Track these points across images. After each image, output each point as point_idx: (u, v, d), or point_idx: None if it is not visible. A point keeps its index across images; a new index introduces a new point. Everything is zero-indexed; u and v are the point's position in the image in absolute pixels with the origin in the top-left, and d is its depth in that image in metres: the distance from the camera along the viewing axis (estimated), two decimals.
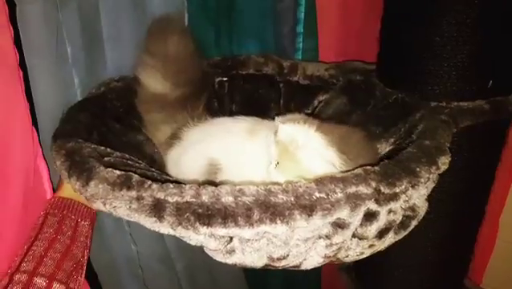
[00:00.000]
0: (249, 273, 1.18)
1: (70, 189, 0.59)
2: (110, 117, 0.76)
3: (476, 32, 0.68)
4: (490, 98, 0.71)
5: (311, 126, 0.59)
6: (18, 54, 0.59)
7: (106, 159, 0.59)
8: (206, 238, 0.48)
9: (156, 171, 0.64)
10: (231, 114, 0.91)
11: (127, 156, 0.65)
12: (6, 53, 0.55)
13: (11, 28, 0.57)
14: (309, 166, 0.56)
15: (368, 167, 0.49)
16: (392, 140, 0.70)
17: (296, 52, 1.00)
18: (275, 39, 0.97)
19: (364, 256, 0.58)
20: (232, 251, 0.52)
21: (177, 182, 0.50)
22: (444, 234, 0.84)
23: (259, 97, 0.94)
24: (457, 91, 0.71)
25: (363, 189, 0.46)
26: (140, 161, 0.66)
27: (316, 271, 1.28)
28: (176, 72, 0.78)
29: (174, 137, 0.77)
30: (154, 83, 0.78)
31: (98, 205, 0.50)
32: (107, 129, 0.74)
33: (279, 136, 0.57)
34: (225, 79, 0.93)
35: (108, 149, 0.63)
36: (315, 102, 0.92)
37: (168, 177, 0.63)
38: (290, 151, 0.56)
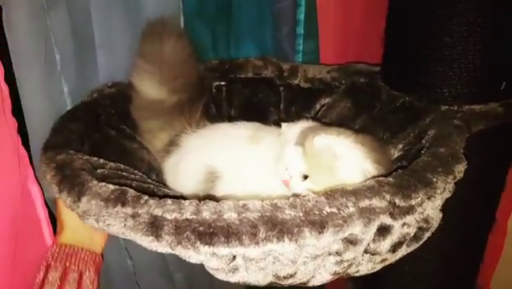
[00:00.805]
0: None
1: (71, 232, 0.57)
2: (103, 125, 0.73)
3: (487, 32, 0.65)
4: (504, 100, 0.68)
5: (347, 137, 0.57)
6: (1, 68, 0.55)
7: (99, 171, 0.55)
8: (208, 258, 0.44)
9: (153, 182, 0.60)
10: (230, 119, 0.88)
11: (122, 166, 0.61)
12: None
13: None
14: (345, 178, 0.52)
15: (382, 178, 0.46)
16: (401, 145, 0.67)
17: (296, 54, 0.97)
18: (274, 41, 0.95)
19: (376, 270, 0.55)
20: (235, 270, 0.49)
21: (176, 197, 0.46)
22: (453, 242, 0.81)
23: (258, 101, 0.91)
24: (469, 93, 0.68)
25: (376, 203, 0.43)
26: (135, 171, 0.63)
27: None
28: (172, 77, 0.75)
29: (172, 144, 0.74)
30: (150, 89, 0.75)
31: (91, 222, 0.47)
32: (101, 137, 0.71)
33: (314, 145, 0.54)
34: (222, 83, 0.91)
35: (101, 160, 0.60)
36: (317, 106, 0.89)
37: (166, 189, 0.60)
38: (325, 162, 0.53)
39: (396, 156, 0.66)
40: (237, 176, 0.64)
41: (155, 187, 0.56)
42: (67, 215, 0.57)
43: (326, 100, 0.88)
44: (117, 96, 0.77)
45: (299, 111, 0.90)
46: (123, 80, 0.78)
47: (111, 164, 0.60)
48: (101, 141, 0.70)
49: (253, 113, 0.86)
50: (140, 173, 0.63)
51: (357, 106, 0.80)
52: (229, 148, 0.68)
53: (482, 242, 0.89)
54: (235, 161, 0.66)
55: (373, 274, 0.97)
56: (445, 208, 0.70)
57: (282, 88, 0.90)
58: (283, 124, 0.63)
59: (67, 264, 0.55)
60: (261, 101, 0.91)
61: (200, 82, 0.82)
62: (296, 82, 0.90)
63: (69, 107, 0.73)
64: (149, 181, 0.60)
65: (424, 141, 0.61)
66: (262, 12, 0.92)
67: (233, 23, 0.92)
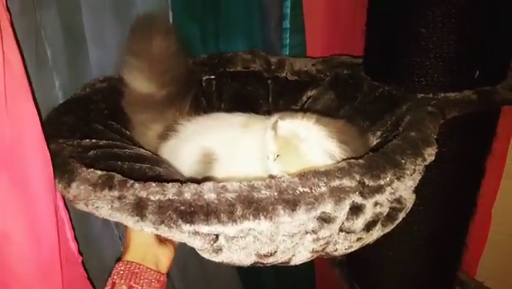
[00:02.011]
0: (242, 271, 1.18)
1: (137, 250, 0.57)
2: (93, 120, 0.75)
3: (462, 22, 0.67)
4: (477, 88, 0.71)
5: (310, 119, 0.60)
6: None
7: (91, 152, 0.58)
8: (191, 236, 0.47)
9: (148, 156, 0.63)
10: (220, 112, 0.90)
11: (117, 143, 0.64)
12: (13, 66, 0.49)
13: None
14: (311, 159, 0.55)
15: (352, 160, 0.48)
16: (379, 133, 0.69)
17: (283, 48, 1.00)
18: (262, 35, 0.97)
19: (353, 249, 0.58)
20: (219, 250, 0.51)
21: (165, 180, 0.49)
22: (435, 227, 0.84)
23: (248, 94, 0.93)
24: (444, 82, 0.70)
25: (347, 183, 0.46)
26: (130, 146, 0.65)
27: (309, 267, 1.28)
28: (161, 72, 0.77)
29: (169, 129, 0.77)
30: (140, 83, 0.77)
31: (80, 206, 0.50)
32: (90, 131, 0.72)
33: (280, 130, 0.57)
34: (212, 77, 0.93)
35: (94, 140, 0.62)
36: (304, 98, 0.91)
37: (158, 168, 0.63)
38: (291, 144, 0.57)
39: (374, 143, 0.69)
40: (231, 158, 0.68)
41: (147, 168, 0.59)
42: (134, 233, 0.58)
43: (312, 92, 0.90)
44: (108, 91, 0.79)
45: (287, 103, 0.92)
46: (114, 74, 0.80)
47: (104, 141, 0.62)
48: (90, 135, 0.72)
49: (243, 106, 0.88)
50: (135, 149, 0.66)
51: (340, 97, 0.83)
52: (225, 133, 0.72)
53: (464, 227, 0.92)
54: (230, 144, 0.69)
55: (358, 259, 1.01)
56: (426, 193, 0.74)
57: (270, 81, 0.93)
58: (274, 115, 0.65)
59: (132, 283, 0.54)
60: (250, 94, 0.93)
61: (188, 76, 0.84)
62: (283, 75, 0.92)
63: (61, 100, 0.75)
64: (142, 151, 0.63)
65: (400, 128, 0.63)
66: (250, 6, 0.94)
67: (221, 18, 0.93)
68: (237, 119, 0.76)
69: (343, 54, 0.93)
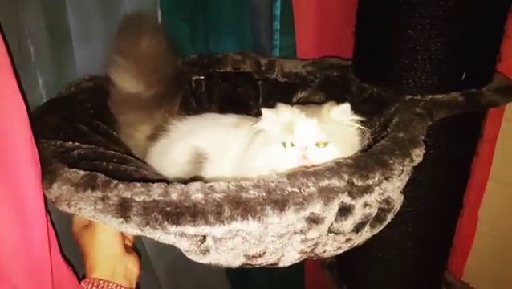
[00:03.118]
0: (231, 273, 1.17)
1: (106, 264, 0.54)
2: (79, 119, 0.73)
3: (449, 25, 0.68)
4: (464, 90, 0.72)
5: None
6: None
7: (75, 152, 0.57)
8: (177, 238, 0.46)
9: (133, 159, 0.62)
10: (210, 112, 0.90)
11: (99, 148, 0.63)
12: None
13: None
14: (355, 140, 0.61)
15: (341, 160, 0.48)
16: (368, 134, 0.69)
17: (273, 49, 1.00)
18: (252, 36, 0.97)
19: (342, 251, 0.58)
20: (206, 251, 0.51)
21: (150, 180, 0.48)
22: (423, 228, 0.85)
23: (238, 95, 0.93)
24: (432, 83, 0.71)
25: (335, 182, 0.45)
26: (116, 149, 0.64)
27: (299, 269, 1.28)
28: (149, 72, 0.76)
29: (160, 129, 0.77)
30: (127, 83, 0.76)
31: (63, 208, 0.48)
32: (74, 132, 0.71)
33: (335, 115, 0.61)
34: (202, 77, 0.92)
35: (77, 144, 0.61)
36: (294, 99, 0.91)
37: (144, 171, 0.62)
38: (344, 127, 0.61)
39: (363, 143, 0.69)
40: (222, 158, 0.68)
41: (132, 170, 0.58)
42: (100, 244, 0.55)
43: (302, 94, 0.91)
44: (95, 90, 0.78)
45: None
46: (100, 73, 0.78)
47: (87, 145, 0.61)
48: (74, 136, 0.70)
49: (233, 107, 0.88)
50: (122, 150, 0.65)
51: (330, 98, 0.82)
52: (216, 133, 0.72)
53: (451, 228, 0.93)
54: (221, 144, 0.69)
55: (348, 261, 1.01)
56: (414, 194, 0.74)
57: (260, 82, 0.93)
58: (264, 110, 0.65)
59: None
60: (240, 95, 0.93)
61: (177, 76, 0.83)
62: (274, 76, 0.92)
63: (44, 99, 0.73)
64: (128, 157, 0.62)
65: (389, 129, 0.64)
66: (240, 7, 0.94)
67: (211, 18, 0.93)
68: (228, 119, 0.76)
69: (332, 56, 0.94)
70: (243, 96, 0.93)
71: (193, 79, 0.92)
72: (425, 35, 0.68)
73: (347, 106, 0.62)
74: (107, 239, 0.56)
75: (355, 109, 0.64)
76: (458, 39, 0.69)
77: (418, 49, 0.69)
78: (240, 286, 1.22)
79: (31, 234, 0.50)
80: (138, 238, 0.91)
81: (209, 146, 0.70)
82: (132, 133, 0.79)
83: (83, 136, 0.70)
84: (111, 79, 0.76)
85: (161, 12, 0.87)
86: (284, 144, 0.58)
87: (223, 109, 0.89)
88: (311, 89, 0.89)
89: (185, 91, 0.89)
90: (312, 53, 1.01)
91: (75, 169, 0.49)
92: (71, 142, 0.61)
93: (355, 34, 0.83)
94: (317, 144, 0.57)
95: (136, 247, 0.63)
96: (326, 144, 0.57)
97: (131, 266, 0.58)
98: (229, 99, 0.93)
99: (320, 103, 0.86)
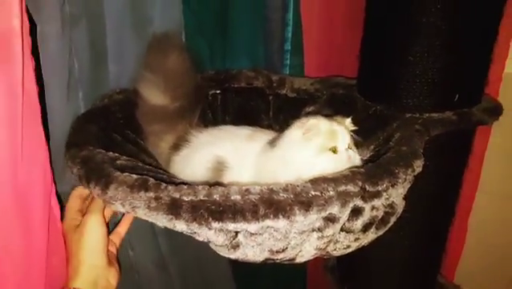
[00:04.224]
0: (237, 274, 1.24)
1: (89, 273, 0.54)
2: (111, 130, 0.80)
3: (444, 53, 0.77)
4: (457, 110, 0.81)
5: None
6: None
7: (118, 162, 0.64)
8: (216, 233, 0.54)
9: (163, 173, 0.69)
10: (224, 124, 0.97)
11: (134, 160, 0.70)
12: (29, 93, 0.49)
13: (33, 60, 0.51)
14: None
15: (355, 169, 0.57)
16: (372, 146, 0.78)
17: (284, 68, 1.08)
18: (265, 56, 1.04)
19: (350, 250, 0.65)
20: (236, 246, 0.58)
21: (189, 184, 0.56)
22: (419, 232, 0.93)
23: (251, 109, 1.00)
24: (428, 103, 0.80)
25: (351, 188, 0.54)
26: (147, 164, 0.71)
27: (302, 271, 1.35)
28: (174, 86, 0.83)
29: (182, 140, 0.83)
30: (154, 96, 0.82)
31: (117, 207, 0.56)
32: (109, 141, 0.77)
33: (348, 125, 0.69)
34: (218, 91, 0.99)
35: (116, 154, 0.68)
36: (303, 113, 0.98)
37: (175, 179, 0.69)
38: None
39: (368, 155, 0.77)
40: (241, 166, 0.74)
41: (167, 178, 0.66)
42: (86, 253, 0.56)
43: (310, 109, 0.98)
44: (125, 102, 0.85)
45: (287, 118, 0.99)
46: (129, 87, 0.86)
47: (125, 157, 0.68)
48: (109, 144, 0.76)
49: (246, 119, 0.95)
50: (153, 165, 0.72)
51: (337, 114, 0.92)
52: (234, 143, 0.78)
53: (444, 234, 1.02)
54: (239, 153, 0.76)
55: (350, 265, 1.09)
56: (412, 201, 0.82)
57: (271, 97, 0.99)
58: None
59: None
60: (252, 108, 1.00)
61: (198, 90, 0.91)
62: (284, 92, 0.99)
63: (82, 110, 0.81)
64: (160, 171, 0.69)
65: (391, 143, 0.72)
66: (255, 30, 1.02)
67: (228, 39, 1.01)
68: (243, 131, 0.82)
69: (337, 75, 1.02)
70: (255, 110, 1.00)
71: (210, 93, 0.98)
72: (423, 61, 0.77)
73: (349, 119, 0.72)
74: (95, 244, 0.58)
75: (361, 124, 0.73)
76: (452, 65, 0.78)
77: (417, 73, 0.78)
78: (244, 286, 1.29)
79: (33, 243, 0.51)
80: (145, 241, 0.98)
81: (229, 155, 0.76)
82: (157, 142, 0.85)
83: (117, 145, 0.77)
84: (140, 92, 0.82)
85: (185, 33, 0.95)
86: (333, 151, 0.65)
87: (236, 121, 0.95)
88: (319, 105, 0.97)
89: (204, 104, 0.97)
90: (318, 71, 1.09)
91: (127, 173, 0.57)
92: (111, 152, 0.67)
93: (360, 57, 0.92)
94: (347, 148, 0.66)
95: (117, 256, 0.64)
96: (351, 147, 0.67)
97: (111, 280, 0.59)
98: (242, 113, 1.00)
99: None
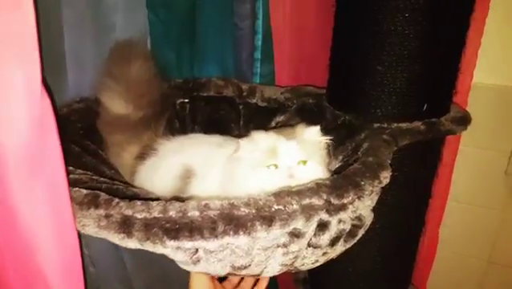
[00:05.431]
0: None
1: None
2: (71, 139, 0.75)
3: (412, 62, 0.77)
4: (425, 120, 0.81)
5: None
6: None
7: (71, 176, 0.60)
8: (173, 251, 0.51)
9: (120, 184, 0.65)
10: (193, 133, 0.94)
11: (89, 173, 0.66)
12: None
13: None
14: (325, 156, 0.67)
15: (320, 181, 0.55)
16: (341, 157, 0.77)
17: (254, 76, 1.06)
18: (235, 64, 1.03)
19: (319, 264, 0.63)
20: (197, 262, 0.55)
21: (145, 198, 0.52)
22: (390, 243, 0.92)
23: (220, 118, 0.98)
24: (397, 113, 0.80)
25: (315, 201, 0.52)
26: (107, 176, 0.67)
27: (272, 284, 1.31)
28: (138, 95, 0.80)
29: (148, 149, 0.80)
30: (117, 105, 0.80)
31: None
32: (66, 153, 0.73)
33: (307, 135, 0.67)
34: (186, 100, 0.97)
35: (70, 168, 0.64)
36: (273, 123, 0.97)
37: (134, 189, 0.65)
38: (316, 145, 0.67)
39: (336, 166, 0.76)
40: (208, 174, 0.72)
41: (124, 188, 0.62)
42: None
43: (280, 118, 0.97)
44: (85, 111, 0.81)
45: (257, 128, 0.97)
46: (90, 96, 0.82)
47: (79, 170, 0.64)
48: (65, 156, 0.73)
49: (215, 129, 0.93)
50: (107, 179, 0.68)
51: (306, 123, 0.90)
52: (202, 151, 0.76)
53: (415, 244, 1.01)
54: (207, 162, 0.73)
55: (322, 277, 1.07)
56: (382, 213, 0.81)
57: (241, 106, 0.98)
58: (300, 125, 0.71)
59: None
60: (222, 118, 0.98)
61: (163, 99, 0.88)
62: (254, 101, 0.98)
63: None
64: (116, 182, 0.65)
65: (359, 153, 0.71)
66: (223, 37, 1.00)
67: (196, 47, 0.98)
68: (213, 139, 0.80)
69: (308, 85, 1.01)
70: (225, 119, 0.98)
71: (178, 101, 0.96)
72: (392, 71, 0.77)
73: (317, 128, 0.68)
74: None
75: (330, 134, 0.72)
76: (420, 75, 0.78)
77: (385, 83, 0.78)
78: None
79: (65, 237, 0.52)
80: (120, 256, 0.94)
81: (197, 163, 0.74)
82: (120, 153, 0.82)
83: (74, 156, 0.73)
84: (102, 101, 0.79)
85: (151, 40, 0.92)
86: (269, 167, 0.63)
87: (205, 131, 0.93)
88: (289, 114, 0.96)
89: (170, 113, 0.94)
90: (289, 80, 1.08)
91: (77, 188, 0.53)
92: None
93: (329, 67, 0.91)
94: (298, 163, 0.63)
95: None
96: (305, 162, 0.63)
97: None
98: (211, 122, 0.98)
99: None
